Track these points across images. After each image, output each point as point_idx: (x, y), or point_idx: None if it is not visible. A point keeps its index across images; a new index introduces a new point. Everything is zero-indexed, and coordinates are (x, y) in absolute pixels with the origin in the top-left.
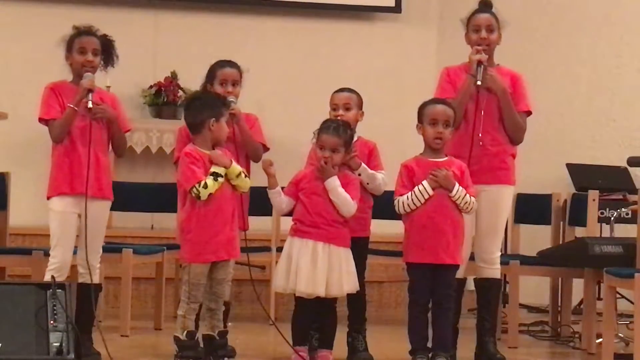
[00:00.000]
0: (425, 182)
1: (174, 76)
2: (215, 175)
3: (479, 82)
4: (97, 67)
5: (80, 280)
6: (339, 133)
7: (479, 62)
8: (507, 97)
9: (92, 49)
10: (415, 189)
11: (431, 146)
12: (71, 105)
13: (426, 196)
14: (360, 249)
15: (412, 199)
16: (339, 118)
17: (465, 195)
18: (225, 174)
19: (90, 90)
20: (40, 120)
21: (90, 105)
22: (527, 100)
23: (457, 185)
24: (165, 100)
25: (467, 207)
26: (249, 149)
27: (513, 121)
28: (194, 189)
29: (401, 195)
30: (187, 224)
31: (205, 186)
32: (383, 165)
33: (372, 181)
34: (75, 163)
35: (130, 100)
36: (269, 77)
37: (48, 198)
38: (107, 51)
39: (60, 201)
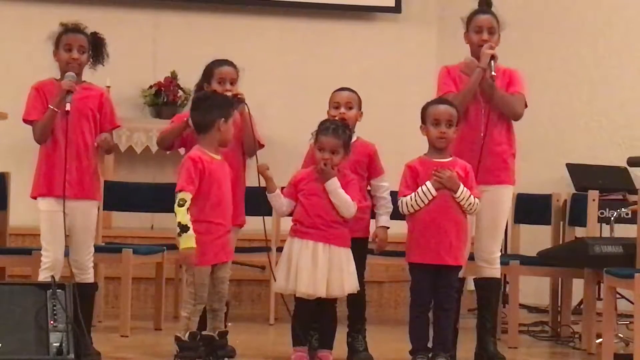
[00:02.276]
0: (428, 183)
1: (174, 76)
2: (184, 229)
3: (493, 73)
4: (83, 65)
5: (75, 280)
6: (338, 134)
7: (492, 57)
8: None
9: (78, 46)
10: (419, 189)
11: (435, 146)
12: (51, 107)
13: (430, 197)
14: (360, 249)
15: (415, 200)
16: (339, 118)
17: (470, 196)
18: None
19: (69, 92)
20: (24, 121)
21: (68, 107)
22: (521, 85)
23: (461, 186)
24: (165, 100)
25: (471, 209)
26: (247, 144)
27: (502, 101)
28: (179, 194)
29: (405, 195)
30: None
31: (180, 205)
32: (384, 169)
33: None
34: (56, 164)
35: (130, 100)
36: (269, 77)
37: (32, 197)
38: (97, 49)
39: (45, 201)
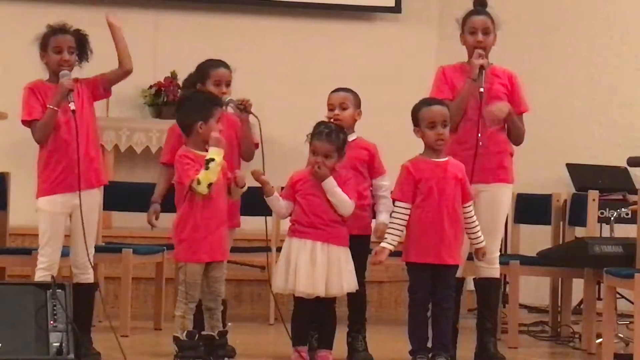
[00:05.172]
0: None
1: (174, 76)
2: (207, 162)
3: (481, 89)
4: (73, 66)
5: (75, 280)
6: (331, 139)
7: (481, 67)
8: (512, 118)
9: (67, 47)
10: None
11: (433, 148)
12: (51, 107)
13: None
14: (361, 247)
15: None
16: (333, 119)
17: (477, 232)
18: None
19: (71, 90)
20: (23, 122)
21: (72, 107)
22: (525, 100)
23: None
24: (165, 100)
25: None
26: (243, 148)
27: (518, 132)
28: (192, 187)
29: (395, 199)
30: (182, 224)
31: (198, 182)
32: (385, 168)
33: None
34: (63, 160)
35: (130, 100)
36: (269, 77)
37: (38, 198)
38: (81, 47)
39: (50, 201)
